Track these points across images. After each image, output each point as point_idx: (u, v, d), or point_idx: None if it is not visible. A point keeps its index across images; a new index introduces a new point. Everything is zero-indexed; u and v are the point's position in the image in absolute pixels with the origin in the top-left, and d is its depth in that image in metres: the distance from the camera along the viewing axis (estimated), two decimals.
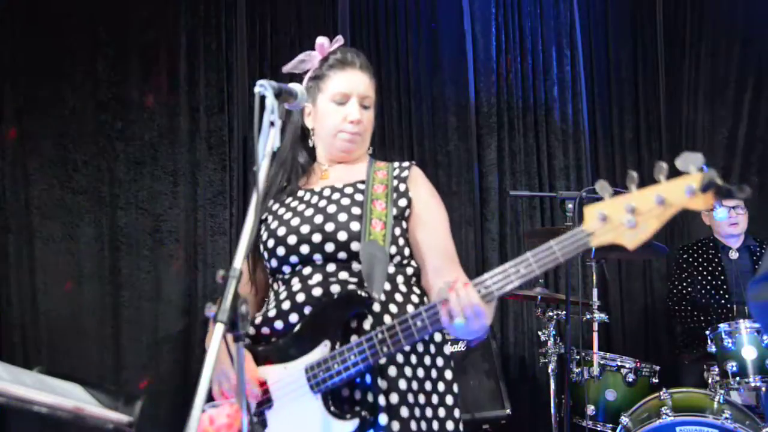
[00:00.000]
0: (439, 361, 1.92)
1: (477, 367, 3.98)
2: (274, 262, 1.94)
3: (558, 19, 4.85)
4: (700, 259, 4.15)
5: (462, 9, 4.77)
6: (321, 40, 2.06)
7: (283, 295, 1.89)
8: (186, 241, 4.35)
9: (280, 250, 1.92)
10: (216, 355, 1.30)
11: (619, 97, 4.93)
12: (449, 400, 1.90)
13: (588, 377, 3.48)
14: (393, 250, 1.91)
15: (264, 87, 1.53)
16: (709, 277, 4.10)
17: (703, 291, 4.11)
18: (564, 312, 3.41)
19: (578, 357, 3.52)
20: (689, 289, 4.17)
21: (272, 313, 1.88)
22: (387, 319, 1.83)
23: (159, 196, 4.35)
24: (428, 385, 1.87)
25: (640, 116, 4.94)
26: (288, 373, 1.77)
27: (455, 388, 1.92)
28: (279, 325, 1.86)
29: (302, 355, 1.77)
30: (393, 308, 1.87)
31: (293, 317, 1.85)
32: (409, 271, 1.96)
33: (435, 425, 1.85)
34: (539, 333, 3.71)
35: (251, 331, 1.90)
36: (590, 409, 3.52)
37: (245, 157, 4.45)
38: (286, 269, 1.93)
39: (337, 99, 2.01)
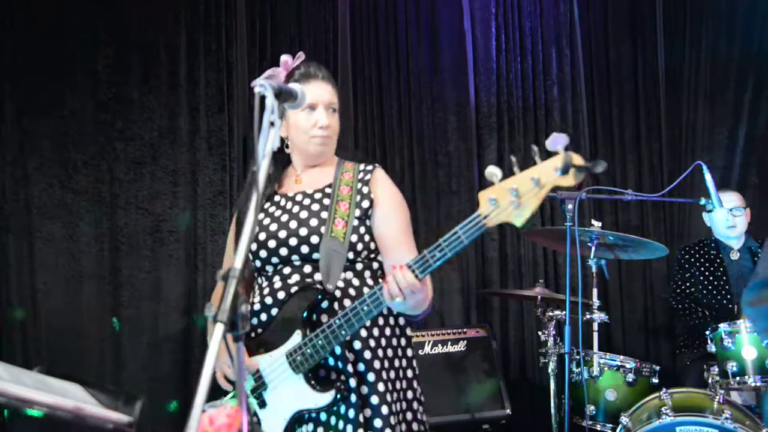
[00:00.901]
0: (403, 341, 2.29)
1: (477, 367, 3.98)
2: (258, 263, 2.25)
3: (558, 19, 4.85)
4: (702, 259, 4.15)
5: (462, 9, 4.77)
6: (284, 58, 2.29)
7: (266, 291, 2.21)
8: (186, 241, 4.35)
9: (263, 253, 2.23)
10: (216, 350, 1.31)
11: (619, 97, 4.93)
12: (409, 373, 2.29)
13: (588, 377, 3.48)
14: (359, 246, 2.22)
15: (264, 87, 1.54)
16: (711, 277, 4.10)
17: (704, 291, 4.11)
18: (564, 312, 3.41)
19: (578, 357, 3.52)
20: (692, 288, 4.18)
21: (257, 306, 2.21)
22: None
23: (159, 196, 4.35)
24: (396, 363, 2.25)
25: (640, 116, 4.94)
26: (273, 360, 2.13)
27: (414, 363, 2.31)
28: (264, 317, 2.20)
29: (281, 343, 2.13)
30: None
31: (274, 311, 2.19)
32: (375, 265, 2.29)
33: (402, 395, 2.25)
34: (539, 333, 3.71)
35: None
36: (590, 409, 3.52)
37: (245, 157, 4.45)
38: (269, 268, 2.24)
39: (305, 108, 2.24)
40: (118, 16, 4.33)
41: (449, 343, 3.98)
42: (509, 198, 1.63)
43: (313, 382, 2.10)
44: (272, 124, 1.52)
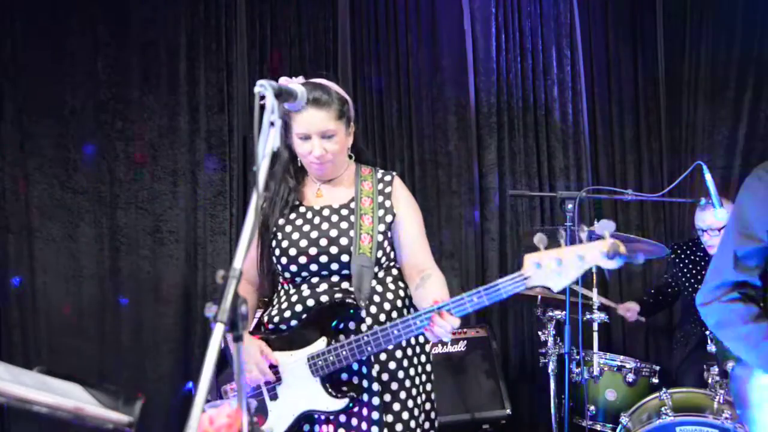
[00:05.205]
0: (423, 358, 2.41)
1: (477, 367, 3.98)
2: (287, 275, 2.36)
3: (558, 19, 4.85)
4: (686, 260, 4.14)
5: (462, 9, 4.77)
6: (283, 81, 2.25)
7: (294, 299, 2.32)
8: (186, 241, 4.35)
9: (293, 267, 2.32)
10: (216, 350, 1.31)
11: (619, 97, 4.93)
12: (428, 387, 2.43)
13: (588, 377, 3.48)
14: (383, 259, 2.33)
15: (264, 87, 1.54)
16: (692, 279, 4.09)
17: (685, 292, 4.12)
18: (564, 312, 3.41)
19: (578, 357, 3.51)
20: (673, 286, 4.22)
21: (287, 314, 2.31)
22: (382, 317, 2.30)
23: (159, 196, 4.35)
24: (414, 372, 2.35)
25: (640, 116, 4.93)
26: (294, 360, 2.23)
27: (432, 377, 2.45)
28: (293, 323, 2.30)
29: (304, 346, 2.23)
30: (386, 306, 2.32)
31: (304, 317, 2.29)
32: (395, 272, 2.40)
33: (422, 406, 2.37)
34: (539, 333, 3.71)
35: (271, 326, 2.34)
36: (590, 409, 3.52)
37: (245, 157, 4.45)
38: (298, 279, 2.34)
39: (301, 137, 2.27)
40: (118, 16, 4.33)
41: (449, 343, 3.97)
42: (553, 266, 1.82)
43: (328, 386, 2.20)
44: (272, 124, 1.51)
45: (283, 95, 1.60)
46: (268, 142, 1.50)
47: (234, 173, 4.41)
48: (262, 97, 1.53)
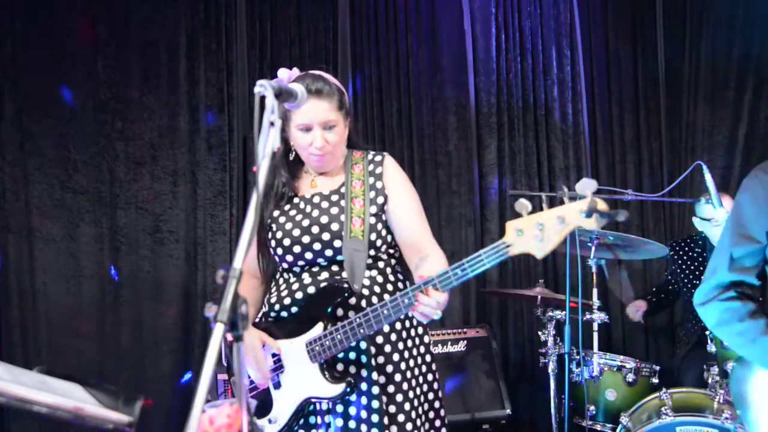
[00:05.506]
0: (422, 348, 2.40)
1: (477, 367, 3.99)
2: (285, 264, 2.35)
3: (558, 19, 4.85)
4: (685, 257, 4.15)
5: (462, 9, 4.77)
6: (281, 72, 2.22)
7: (295, 287, 2.31)
8: (186, 241, 4.35)
9: (289, 258, 2.32)
10: (216, 350, 1.31)
11: (619, 97, 4.93)
12: (430, 377, 2.41)
13: (588, 377, 3.48)
14: (378, 242, 2.31)
15: (264, 87, 1.54)
16: (690, 276, 4.09)
17: (684, 289, 4.12)
18: (564, 312, 3.41)
19: (578, 357, 3.51)
20: (673, 284, 4.22)
21: (287, 300, 2.31)
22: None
23: (159, 196, 4.35)
24: (415, 363, 2.35)
25: (640, 116, 4.94)
26: (293, 347, 2.24)
27: (434, 367, 2.42)
28: (294, 310, 2.30)
29: (303, 332, 2.23)
30: (387, 297, 2.29)
31: (303, 305, 2.30)
32: (393, 261, 2.38)
33: (423, 396, 2.36)
34: (539, 333, 3.71)
35: (272, 314, 2.34)
36: (590, 409, 3.52)
37: (245, 157, 4.45)
38: (296, 268, 2.34)
39: (301, 128, 2.26)
40: (118, 16, 4.33)
41: (449, 343, 3.98)
42: (534, 231, 1.76)
43: (326, 372, 2.20)
44: (272, 124, 1.51)
45: (283, 95, 1.60)
46: (268, 142, 1.50)
47: (234, 173, 4.41)
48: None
